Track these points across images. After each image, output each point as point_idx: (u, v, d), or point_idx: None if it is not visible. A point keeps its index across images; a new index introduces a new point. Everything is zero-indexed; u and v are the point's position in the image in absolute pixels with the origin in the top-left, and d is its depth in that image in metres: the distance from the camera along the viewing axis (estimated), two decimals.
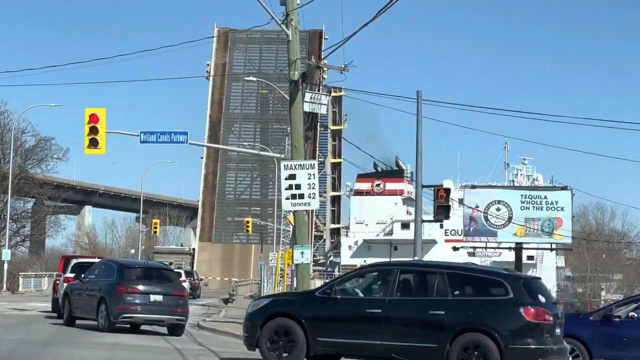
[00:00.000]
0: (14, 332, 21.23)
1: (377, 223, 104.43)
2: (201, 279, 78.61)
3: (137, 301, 22.54)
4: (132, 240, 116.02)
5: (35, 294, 55.23)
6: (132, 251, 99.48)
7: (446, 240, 60.52)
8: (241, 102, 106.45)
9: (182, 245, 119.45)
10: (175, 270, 64.74)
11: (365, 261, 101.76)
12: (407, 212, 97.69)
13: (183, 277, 57.74)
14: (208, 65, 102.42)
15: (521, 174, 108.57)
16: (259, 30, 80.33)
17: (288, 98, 29.28)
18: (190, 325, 27.75)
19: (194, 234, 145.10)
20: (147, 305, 22.58)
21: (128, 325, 23.65)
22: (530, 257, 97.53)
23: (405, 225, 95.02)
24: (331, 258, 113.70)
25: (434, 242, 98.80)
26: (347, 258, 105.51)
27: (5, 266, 56.62)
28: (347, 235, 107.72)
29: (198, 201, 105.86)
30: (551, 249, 74.46)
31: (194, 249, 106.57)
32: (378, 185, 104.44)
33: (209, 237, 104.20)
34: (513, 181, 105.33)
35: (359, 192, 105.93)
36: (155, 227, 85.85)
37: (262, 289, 70.32)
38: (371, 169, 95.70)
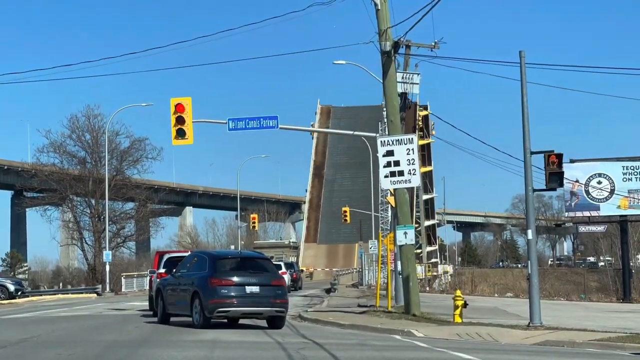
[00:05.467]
0: (106, 333, 20.20)
1: None
2: (302, 270, 77.73)
3: (233, 294, 20.96)
4: (233, 237, 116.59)
5: (138, 293, 55.13)
6: (232, 247, 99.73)
7: None
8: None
9: (281, 239, 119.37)
10: (275, 262, 64.18)
11: None
12: None
13: (283, 269, 56.92)
14: (312, 125, 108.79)
15: None
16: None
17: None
18: (291, 317, 26.46)
19: (293, 228, 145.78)
20: (243, 298, 20.98)
21: (225, 320, 22.40)
22: None
23: None
24: None
25: None
26: None
27: (107, 267, 56.72)
28: None
29: (303, 199, 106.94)
30: None
31: (295, 242, 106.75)
32: None
33: (315, 239, 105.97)
34: None
35: None
36: (254, 222, 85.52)
37: (363, 277, 69.12)
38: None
